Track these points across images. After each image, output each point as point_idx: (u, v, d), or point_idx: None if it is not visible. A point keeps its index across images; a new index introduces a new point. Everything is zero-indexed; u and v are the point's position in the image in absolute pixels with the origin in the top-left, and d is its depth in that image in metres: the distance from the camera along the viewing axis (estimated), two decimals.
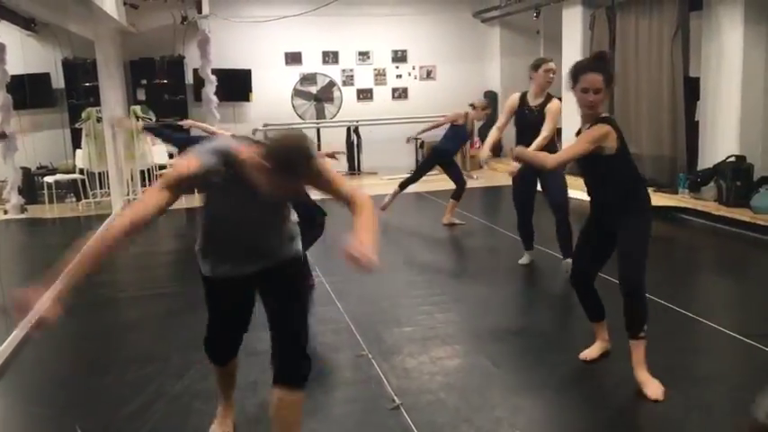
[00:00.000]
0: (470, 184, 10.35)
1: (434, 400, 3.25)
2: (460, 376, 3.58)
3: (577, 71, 3.19)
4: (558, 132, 5.47)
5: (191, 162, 2.26)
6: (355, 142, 11.89)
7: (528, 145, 4.84)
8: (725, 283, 5.49)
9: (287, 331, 2.50)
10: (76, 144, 9.62)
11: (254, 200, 2.28)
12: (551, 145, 4.97)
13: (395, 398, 3.23)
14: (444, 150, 7.47)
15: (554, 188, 5.18)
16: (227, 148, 2.29)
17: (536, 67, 5.09)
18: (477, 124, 12.17)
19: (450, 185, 7.51)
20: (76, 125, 9.46)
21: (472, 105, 7.35)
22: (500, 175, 11.17)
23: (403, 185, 7.53)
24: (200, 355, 3.83)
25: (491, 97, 12.09)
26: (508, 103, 5.30)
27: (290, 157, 2.13)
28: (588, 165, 3.27)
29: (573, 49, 10.03)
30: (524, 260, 5.62)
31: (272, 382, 2.48)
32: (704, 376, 3.49)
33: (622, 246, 3.27)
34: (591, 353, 3.61)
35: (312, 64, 11.97)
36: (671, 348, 3.71)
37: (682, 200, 7.55)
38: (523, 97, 5.17)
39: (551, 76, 5.07)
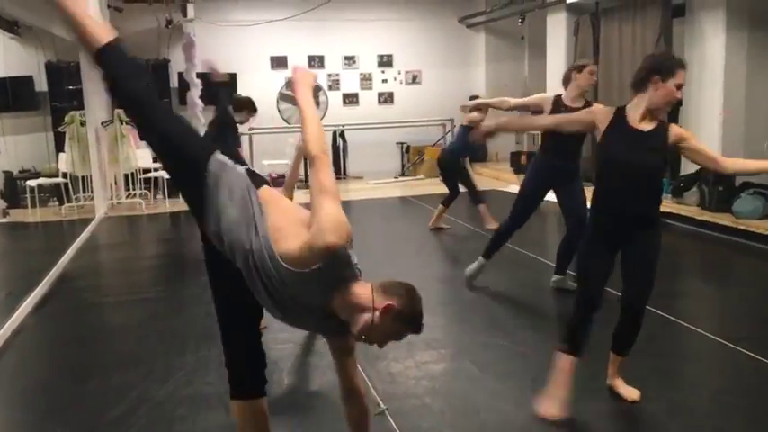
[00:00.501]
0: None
1: (420, 404, 3.26)
2: (446, 381, 3.58)
3: (674, 65, 2.93)
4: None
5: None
6: (341, 147, 11.90)
7: (560, 148, 4.66)
8: (707, 287, 5.54)
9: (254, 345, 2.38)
10: (60, 148, 9.54)
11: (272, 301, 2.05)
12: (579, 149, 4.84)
13: (380, 403, 3.23)
14: (462, 148, 7.31)
15: (576, 202, 4.88)
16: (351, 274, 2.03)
17: (579, 68, 4.76)
18: None
19: (440, 190, 7.50)
20: (60, 129, 9.39)
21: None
22: (485, 180, 11.22)
23: (447, 203, 7.28)
24: (183, 360, 3.84)
25: None
26: (539, 98, 4.96)
27: (419, 314, 2.14)
28: (638, 171, 2.94)
29: (557, 55, 10.10)
30: (472, 267, 5.25)
31: (230, 396, 2.38)
32: (686, 379, 3.52)
33: (644, 262, 3.08)
34: (558, 408, 3.07)
35: None
36: (653, 352, 3.74)
37: (664, 205, 7.56)
38: (558, 99, 4.79)
39: (595, 78, 4.83)
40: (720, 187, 6.98)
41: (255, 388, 2.35)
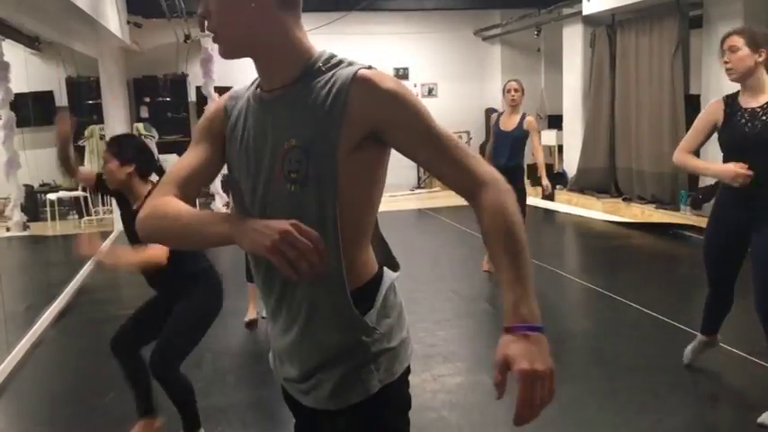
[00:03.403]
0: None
1: (437, 417, 3.24)
2: (463, 394, 3.56)
3: None
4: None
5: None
6: None
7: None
8: None
9: None
10: (79, 161, 9.65)
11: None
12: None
13: None
14: None
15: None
16: None
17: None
18: (476, 141, 12.23)
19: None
20: (79, 143, 9.50)
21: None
22: None
23: None
24: (200, 373, 3.85)
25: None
26: (708, 113, 3.29)
27: None
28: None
29: (574, 67, 10.09)
30: (689, 355, 3.71)
31: None
32: (708, 393, 3.47)
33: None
34: None
35: None
36: (673, 366, 3.70)
37: (683, 217, 7.54)
38: (732, 100, 3.20)
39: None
40: None
41: None
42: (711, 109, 3.24)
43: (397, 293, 1.48)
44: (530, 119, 5.59)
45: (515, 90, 5.60)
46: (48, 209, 8.97)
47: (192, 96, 11.25)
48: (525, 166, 5.96)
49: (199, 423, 2.97)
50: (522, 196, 5.48)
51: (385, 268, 1.48)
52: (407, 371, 1.45)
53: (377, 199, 1.39)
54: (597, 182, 9.49)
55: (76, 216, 9.58)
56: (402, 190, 11.61)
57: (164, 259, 2.67)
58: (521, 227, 1.23)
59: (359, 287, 1.35)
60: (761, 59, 3.05)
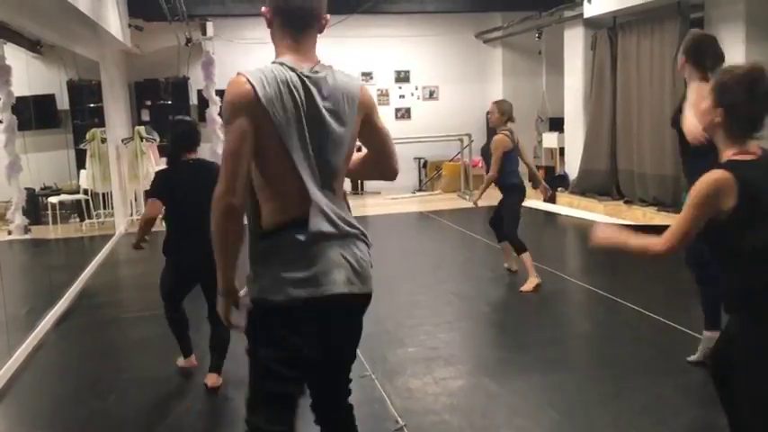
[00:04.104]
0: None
1: (438, 420, 3.23)
2: (464, 397, 3.56)
3: None
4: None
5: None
6: None
7: None
8: None
9: None
10: (81, 165, 9.65)
11: None
12: None
13: (399, 419, 3.21)
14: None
15: None
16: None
17: None
18: (477, 143, 12.23)
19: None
20: (81, 146, 9.51)
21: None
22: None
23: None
24: (201, 375, 3.84)
25: None
26: None
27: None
28: None
29: (575, 70, 10.09)
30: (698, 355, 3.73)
31: None
32: (710, 395, 3.45)
33: None
34: None
35: None
36: (675, 368, 3.69)
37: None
38: None
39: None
40: None
41: None
42: None
43: (292, 249, 1.90)
44: (496, 138, 5.46)
45: (489, 112, 5.60)
46: (49, 212, 8.97)
47: (194, 99, 11.27)
48: (521, 180, 5.76)
49: (184, 354, 3.92)
50: (508, 213, 5.55)
51: (287, 228, 1.91)
52: (272, 308, 1.90)
53: (266, 168, 1.91)
54: (599, 184, 9.48)
55: (78, 219, 9.58)
56: (403, 193, 11.61)
57: (152, 216, 3.98)
58: (217, 230, 1.85)
59: (264, 230, 1.94)
60: None
